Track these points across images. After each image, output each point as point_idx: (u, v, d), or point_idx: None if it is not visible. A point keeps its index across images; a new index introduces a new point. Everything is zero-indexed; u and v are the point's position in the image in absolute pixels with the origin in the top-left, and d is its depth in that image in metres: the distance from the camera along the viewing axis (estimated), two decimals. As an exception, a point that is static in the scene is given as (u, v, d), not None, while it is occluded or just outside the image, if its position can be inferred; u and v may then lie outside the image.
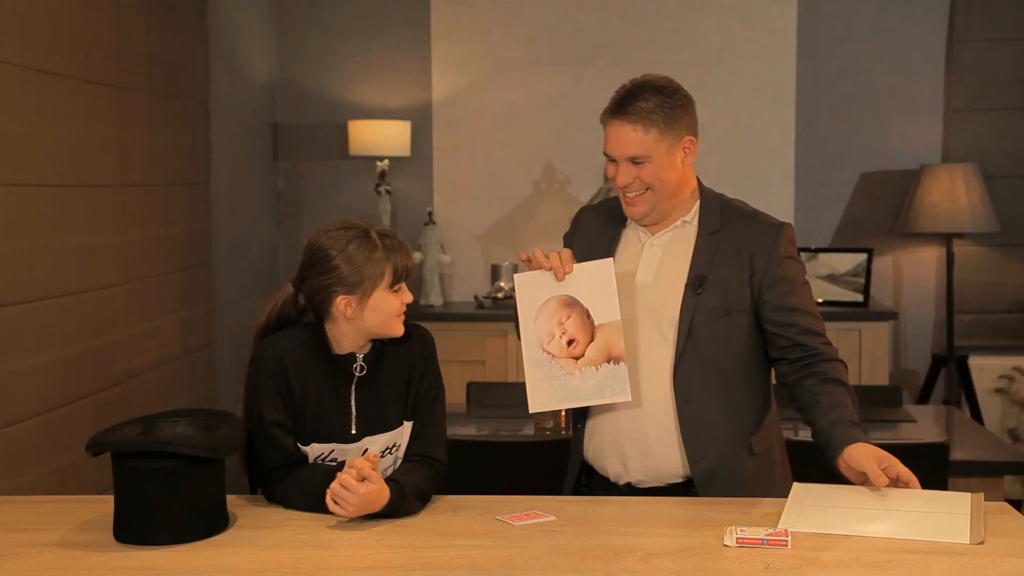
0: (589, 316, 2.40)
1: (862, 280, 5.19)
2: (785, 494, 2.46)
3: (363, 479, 2.17)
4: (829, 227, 5.52)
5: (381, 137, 5.30)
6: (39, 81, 3.20)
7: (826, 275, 5.27)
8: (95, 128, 3.54)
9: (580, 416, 2.59)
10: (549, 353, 2.42)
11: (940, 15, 5.42)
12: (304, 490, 2.27)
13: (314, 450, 2.33)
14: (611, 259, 2.42)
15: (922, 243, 5.49)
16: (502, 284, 5.26)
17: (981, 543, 2.04)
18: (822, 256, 5.31)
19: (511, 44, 5.48)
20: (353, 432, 2.35)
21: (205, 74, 4.50)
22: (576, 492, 2.61)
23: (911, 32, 5.44)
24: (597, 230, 2.61)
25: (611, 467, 2.52)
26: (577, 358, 2.41)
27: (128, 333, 3.75)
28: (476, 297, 5.30)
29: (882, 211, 5.49)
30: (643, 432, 2.47)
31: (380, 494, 2.18)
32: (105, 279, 3.59)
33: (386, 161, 5.32)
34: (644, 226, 2.53)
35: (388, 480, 2.23)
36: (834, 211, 5.52)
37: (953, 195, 5.09)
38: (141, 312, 3.85)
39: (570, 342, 2.41)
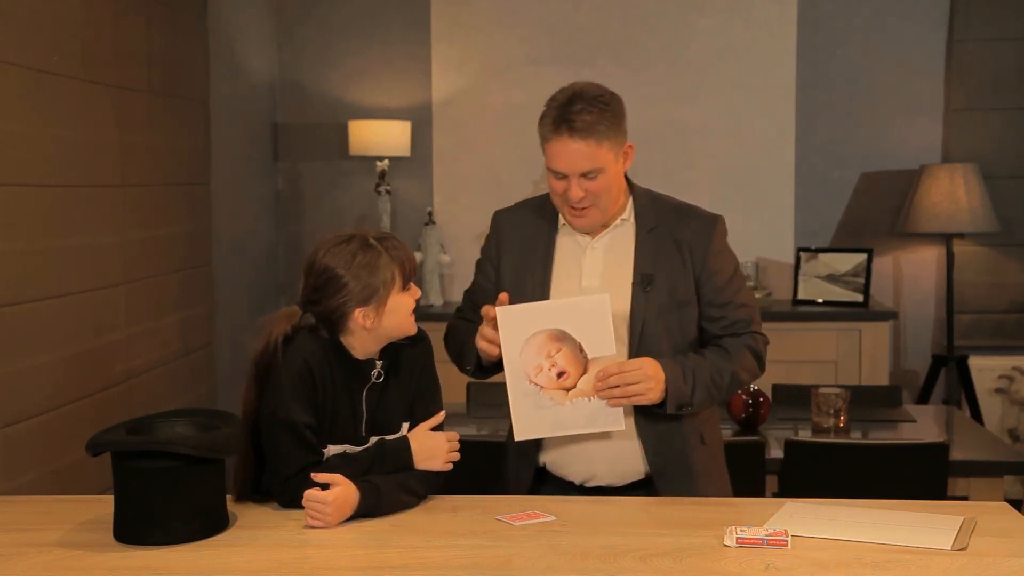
0: (582, 349, 2.38)
1: (862, 280, 5.19)
2: (726, 488, 2.55)
3: (327, 486, 2.20)
4: (829, 227, 5.52)
5: (381, 137, 5.30)
6: (39, 81, 3.20)
7: (826, 275, 5.27)
8: (95, 128, 3.54)
9: None
10: (537, 384, 2.40)
11: (940, 15, 5.42)
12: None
13: (328, 451, 2.33)
14: (607, 295, 2.38)
15: (922, 243, 5.49)
16: (502, 284, 5.25)
17: (963, 549, 2.03)
18: (822, 256, 5.31)
19: (511, 44, 5.48)
20: (363, 434, 2.36)
21: (205, 74, 4.50)
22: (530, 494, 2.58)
23: (911, 32, 5.43)
24: (526, 235, 2.58)
25: (573, 467, 2.51)
26: (568, 389, 2.39)
27: (128, 333, 3.75)
28: (476, 297, 5.29)
29: (882, 211, 5.49)
30: (607, 435, 2.46)
31: (350, 494, 2.21)
32: (105, 279, 3.59)
33: (386, 161, 5.32)
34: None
35: (361, 480, 2.24)
36: (834, 211, 5.52)
37: (953, 195, 5.09)
38: (141, 312, 3.85)
39: (560, 374, 2.39)
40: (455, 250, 5.52)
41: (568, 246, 2.54)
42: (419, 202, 5.55)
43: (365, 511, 2.23)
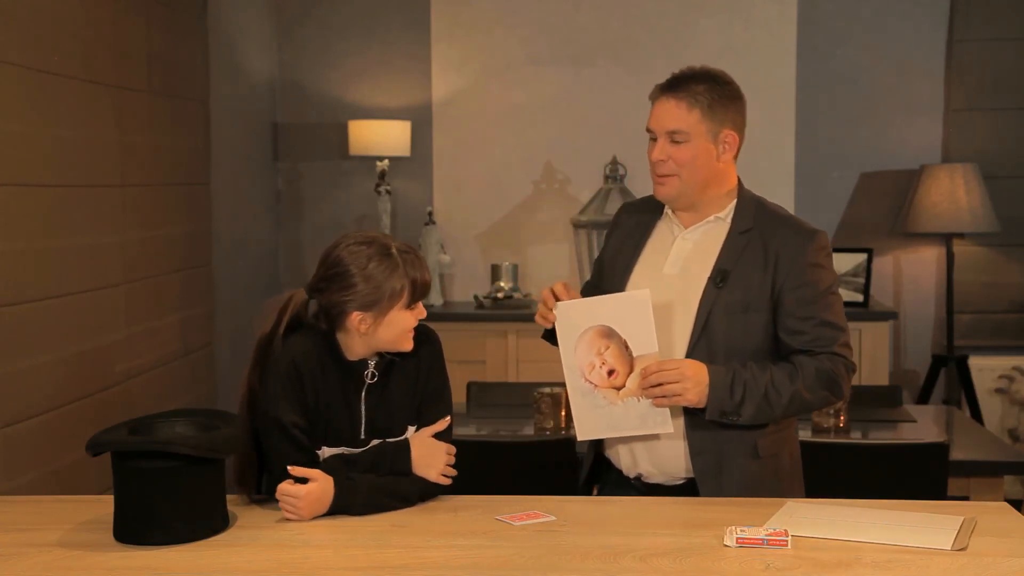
0: (627, 347, 2.39)
1: (862, 280, 5.19)
2: None
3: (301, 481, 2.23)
4: (829, 227, 5.51)
5: (381, 137, 5.30)
6: (39, 81, 3.20)
7: (826, 275, 5.26)
8: (95, 128, 3.54)
9: None
10: (591, 383, 2.42)
11: (940, 15, 5.42)
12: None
13: (324, 453, 2.33)
14: (647, 291, 2.39)
15: (922, 243, 5.49)
16: (502, 284, 5.26)
17: (963, 549, 2.03)
18: (822, 256, 5.30)
19: (511, 44, 5.47)
20: (362, 437, 2.35)
21: (205, 74, 4.50)
22: (588, 484, 2.63)
23: (911, 32, 5.43)
24: (634, 221, 2.63)
25: (623, 458, 2.53)
26: (618, 388, 2.40)
27: (128, 333, 3.75)
28: (476, 297, 5.29)
29: (882, 211, 5.49)
30: (654, 433, 2.46)
31: (324, 491, 2.23)
32: (105, 279, 3.59)
33: (386, 161, 5.32)
34: (675, 211, 2.54)
35: (344, 478, 2.26)
36: (834, 211, 5.52)
37: (953, 195, 5.09)
38: (141, 312, 3.85)
39: (610, 372, 2.40)
40: (455, 250, 5.52)
41: (663, 232, 2.57)
42: (419, 202, 5.55)
43: (339, 509, 2.24)
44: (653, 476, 2.50)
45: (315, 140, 5.60)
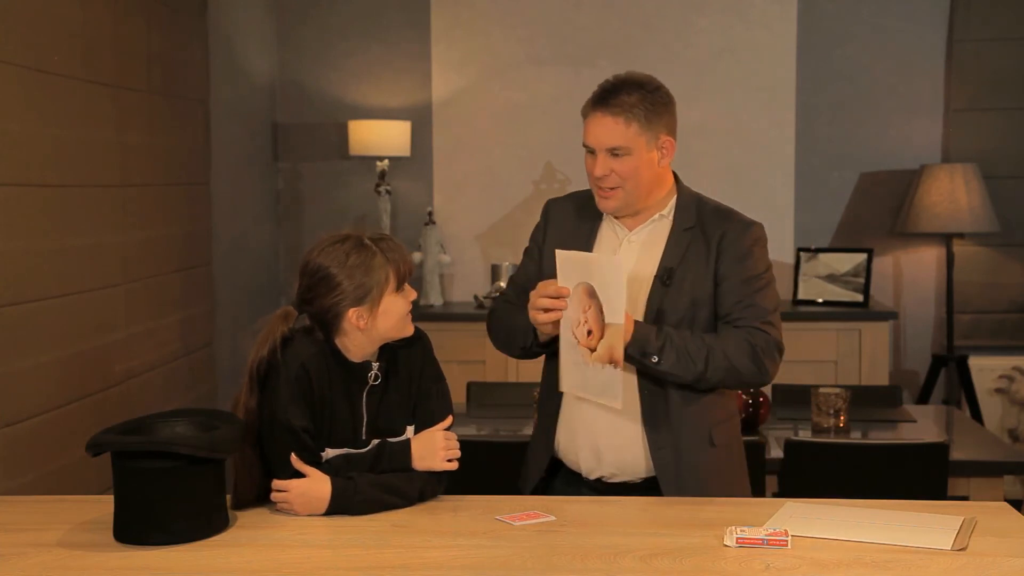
0: (602, 312, 2.39)
1: (862, 280, 5.19)
2: (743, 491, 2.50)
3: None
4: (829, 227, 5.52)
5: (381, 137, 5.30)
6: (39, 81, 3.19)
7: (826, 275, 5.27)
8: (95, 128, 3.54)
9: (549, 409, 2.60)
10: (576, 338, 2.43)
11: (940, 15, 5.42)
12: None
13: (327, 455, 2.33)
14: (621, 259, 2.41)
15: (922, 243, 5.49)
16: (502, 284, 5.26)
17: (963, 549, 2.03)
18: (822, 256, 5.31)
19: (511, 44, 5.48)
20: (363, 438, 2.36)
21: (205, 74, 4.50)
22: (540, 487, 2.61)
23: (911, 32, 5.44)
24: (571, 224, 2.62)
25: (584, 461, 2.53)
26: (592, 350, 2.41)
27: (128, 333, 3.75)
28: (476, 297, 5.30)
29: (882, 211, 5.49)
30: (615, 425, 2.49)
31: (317, 488, 2.24)
32: (105, 279, 3.58)
33: (386, 161, 5.33)
34: (619, 218, 2.56)
35: (341, 478, 2.27)
36: (834, 211, 5.52)
37: (953, 195, 5.09)
38: (141, 312, 3.85)
39: (589, 332, 2.41)
40: (455, 250, 5.53)
41: (608, 236, 2.58)
42: (419, 202, 5.55)
43: (338, 508, 2.25)
44: (616, 476, 2.53)
45: (315, 140, 5.61)
